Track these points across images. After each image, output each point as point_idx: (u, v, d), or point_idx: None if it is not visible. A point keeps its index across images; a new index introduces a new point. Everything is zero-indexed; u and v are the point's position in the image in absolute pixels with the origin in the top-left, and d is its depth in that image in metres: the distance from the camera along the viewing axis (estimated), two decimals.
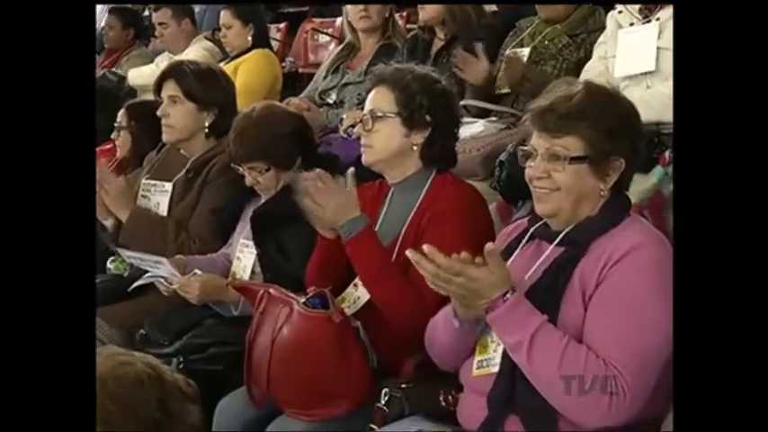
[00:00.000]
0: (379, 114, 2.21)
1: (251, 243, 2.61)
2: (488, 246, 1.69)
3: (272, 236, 2.55)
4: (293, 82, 4.71)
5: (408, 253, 1.74)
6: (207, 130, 2.91)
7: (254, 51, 4.20)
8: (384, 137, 2.21)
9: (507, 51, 3.08)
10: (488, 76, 3.04)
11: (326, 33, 4.99)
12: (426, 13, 3.42)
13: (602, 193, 1.78)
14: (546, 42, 3.11)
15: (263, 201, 2.65)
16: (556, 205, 1.79)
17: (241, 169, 2.59)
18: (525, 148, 1.82)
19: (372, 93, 2.27)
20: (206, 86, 2.90)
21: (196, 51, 4.48)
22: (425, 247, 1.70)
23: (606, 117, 1.76)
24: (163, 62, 4.49)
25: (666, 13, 2.57)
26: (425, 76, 2.27)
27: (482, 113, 3.07)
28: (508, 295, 1.69)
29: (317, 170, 2.13)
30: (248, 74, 4.07)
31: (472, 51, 3.06)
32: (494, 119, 2.99)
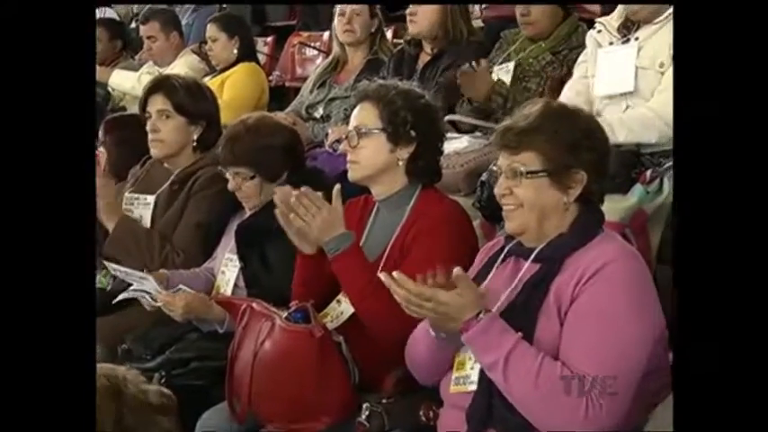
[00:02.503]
0: (364, 130, 2.23)
1: (235, 257, 2.61)
2: (456, 270, 1.73)
3: (256, 250, 2.55)
4: (280, 95, 4.72)
5: (381, 276, 1.78)
6: (195, 144, 2.92)
7: (240, 65, 4.21)
8: (370, 153, 2.23)
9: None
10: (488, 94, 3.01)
11: (314, 47, 5.00)
12: (417, 26, 3.41)
13: (566, 206, 1.81)
14: (530, 60, 3.13)
15: (247, 214, 2.66)
16: (521, 222, 1.83)
17: (227, 173, 2.60)
18: (494, 168, 1.87)
19: (357, 109, 2.29)
20: (195, 99, 2.91)
21: (182, 65, 4.48)
22: (395, 274, 1.75)
23: (563, 131, 1.80)
24: (145, 75, 4.50)
25: (645, 32, 2.60)
26: (409, 91, 2.29)
27: (468, 129, 3.08)
28: (481, 315, 1.71)
29: (303, 188, 2.14)
30: (234, 87, 4.09)
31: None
32: (478, 134, 3.00)
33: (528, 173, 1.79)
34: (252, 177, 2.57)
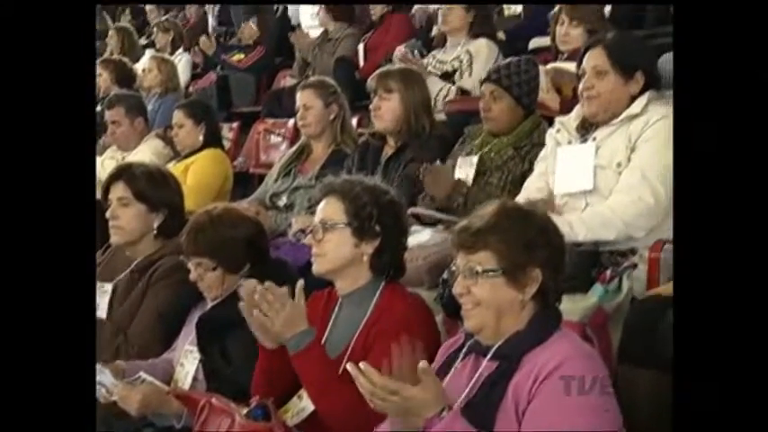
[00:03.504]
0: (330, 224, 2.25)
1: (195, 349, 2.58)
2: (422, 365, 1.74)
3: (216, 342, 2.52)
4: (244, 181, 4.75)
5: (348, 366, 1.78)
6: (155, 232, 2.91)
7: (204, 151, 4.23)
8: (335, 247, 2.25)
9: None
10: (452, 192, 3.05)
11: (278, 134, 5.07)
12: (382, 121, 3.46)
13: (522, 304, 1.84)
14: (492, 154, 3.19)
15: (209, 306, 2.64)
16: (479, 320, 1.85)
17: (189, 263, 2.59)
18: (453, 268, 1.90)
19: (322, 203, 2.31)
20: (155, 187, 2.92)
21: (146, 151, 4.50)
22: (362, 365, 1.75)
23: (517, 230, 1.85)
24: (108, 160, 4.50)
25: (602, 133, 2.67)
26: (375, 187, 2.33)
27: (430, 222, 3.11)
28: (444, 413, 1.71)
29: (267, 283, 2.14)
30: (198, 174, 4.09)
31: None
32: (440, 228, 3.03)
33: (484, 272, 1.82)
34: (214, 268, 2.57)
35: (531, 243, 1.84)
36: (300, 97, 3.79)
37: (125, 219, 2.88)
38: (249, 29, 6.46)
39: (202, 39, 6.47)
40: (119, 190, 2.90)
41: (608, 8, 4.44)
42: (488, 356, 1.84)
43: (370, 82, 3.54)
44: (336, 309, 2.32)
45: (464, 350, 1.92)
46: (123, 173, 2.95)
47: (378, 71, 3.63)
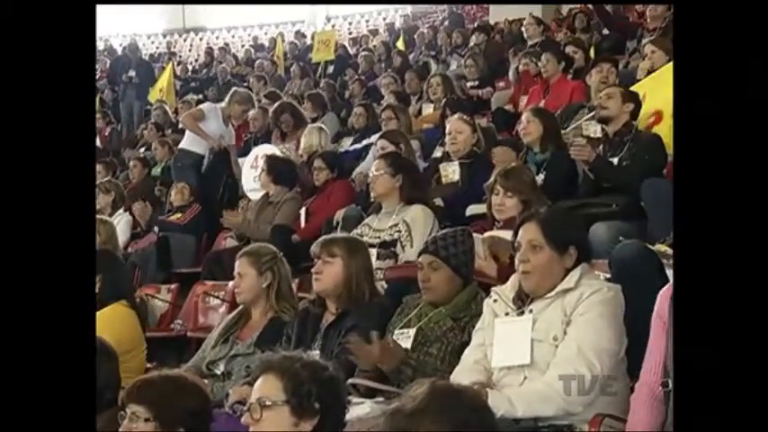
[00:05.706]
0: (268, 403, 2.23)
1: None
2: None
3: None
4: (181, 346, 4.66)
5: None
6: None
7: (109, 306, 3.89)
8: (273, 426, 2.22)
9: (389, 337, 3.12)
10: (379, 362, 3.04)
11: (218, 297, 5.03)
12: (321, 284, 3.47)
13: None
14: (431, 324, 3.20)
15: None
16: None
17: (123, 419, 2.49)
18: None
19: (260, 381, 2.29)
20: None
21: None
22: None
23: (450, 412, 1.84)
24: None
25: (538, 305, 2.73)
26: (313, 363, 2.32)
27: (369, 392, 3.08)
28: None
29: None
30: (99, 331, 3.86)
31: (366, 336, 3.06)
32: (380, 399, 3.00)
33: None
34: (147, 419, 2.45)
35: (465, 424, 1.84)
36: (237, 265, 3.80)
37: None
38: (178, 191, 6.58)
39: (137, 205, 6.53)
40: None
41: (540, 177, 4.64)
42: None
43: (314, 248, 3.58)
44: None
45: None
46: None
47: (322, 238, 3.67)
